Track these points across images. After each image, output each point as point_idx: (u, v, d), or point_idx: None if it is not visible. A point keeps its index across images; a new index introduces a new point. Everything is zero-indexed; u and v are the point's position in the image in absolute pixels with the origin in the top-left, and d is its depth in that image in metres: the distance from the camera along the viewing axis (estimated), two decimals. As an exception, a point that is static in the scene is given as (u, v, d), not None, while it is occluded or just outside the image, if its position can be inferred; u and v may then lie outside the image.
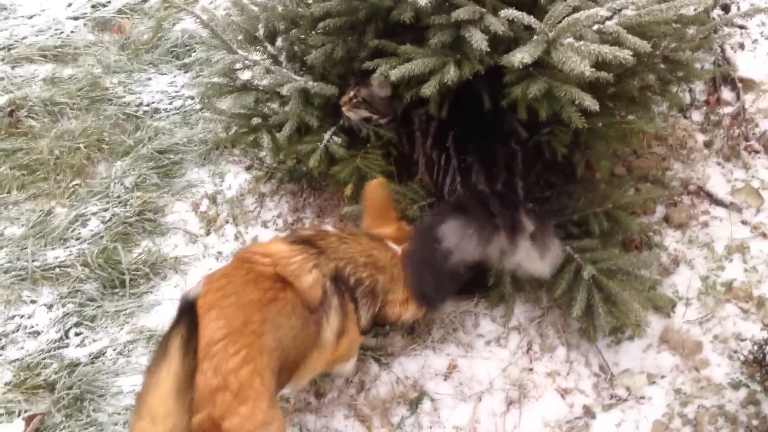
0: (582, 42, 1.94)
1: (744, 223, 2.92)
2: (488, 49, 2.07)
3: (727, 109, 3.44)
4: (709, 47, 2.82)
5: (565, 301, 2.46)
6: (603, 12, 1.78)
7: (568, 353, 2.53)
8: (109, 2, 4.58)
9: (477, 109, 2.46)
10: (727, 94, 3.53)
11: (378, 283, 2.19)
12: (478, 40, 2.06)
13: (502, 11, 2.10)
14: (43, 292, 2.83)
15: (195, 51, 4.04)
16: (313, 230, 2.26)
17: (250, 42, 2.77)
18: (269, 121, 2.63)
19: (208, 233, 3.01)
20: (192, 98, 3.69)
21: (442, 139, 2.54)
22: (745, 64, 3.57)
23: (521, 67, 1.92)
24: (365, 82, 2.60)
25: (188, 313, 1.50)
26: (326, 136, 2.66)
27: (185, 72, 3.93)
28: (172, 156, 3.33)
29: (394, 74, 2.13)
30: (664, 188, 3.03)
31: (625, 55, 1.87)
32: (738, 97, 3.51)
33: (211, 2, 4.46)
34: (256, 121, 2.59)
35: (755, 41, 3.71)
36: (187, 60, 4.00)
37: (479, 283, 2.61)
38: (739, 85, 3.47)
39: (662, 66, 2.47)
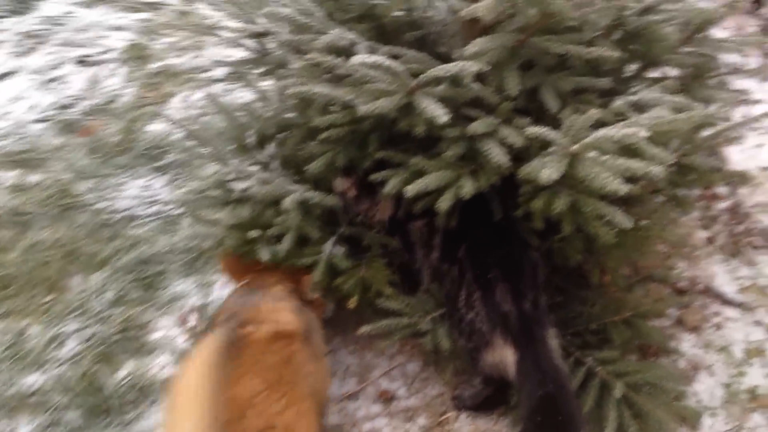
0: (608, 156, 1.91)
1: (757, 323, 2.90)
2: (509, 163, 2.04)
3: (723, 204, 3.48)
4: (717, 149, 2.84)
5: (592, 418, 2.37)
6: (643, 133, 1.76)
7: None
8: (75, 103, 4.50)
9: (487, 218, 2.42)
10: (721, 188, 3.57)
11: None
12: (498, 154, 2.03)
13: (523, 125, 2.12)
14: (21, 423, 2.64)
15: (170, 152, 3.96)
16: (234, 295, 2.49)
17: (240, 150, 2.71)
18: (267, 232, 2.54)
19: (197, 351, 2.87)
20: (170, 203, 3.59)
21: (451, 250, 2.49)
22: (734, 157, 3.63)
23: (549, 183, 1.88)
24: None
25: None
26: (327, 247, 2.57)
27: (161, 175, 3.84)
28: (154, 266, 3.20)
29: (411, 190, 2.08)
30: (674, 290, 3.01)
31: (656, 170, 1.85)
32: (733, 192, 3.56)
33: (184, 100, 4.43)
34: (254, 233, 2.49)
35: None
36: (162, 162, 3.92)
37: (500, 399, 2.53)
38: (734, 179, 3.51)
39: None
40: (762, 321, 2.91)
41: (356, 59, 1.95)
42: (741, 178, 3.43)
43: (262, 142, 2.77)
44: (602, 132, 1.88)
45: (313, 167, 2.43)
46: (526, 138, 2.08)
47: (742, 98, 2.57)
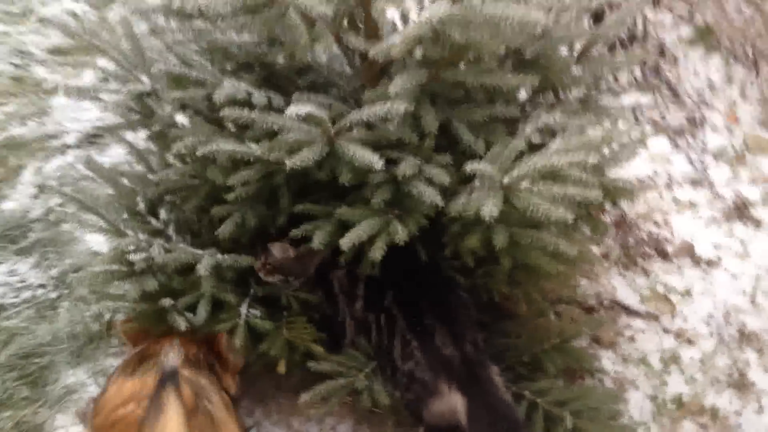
0: (541, 185, 1.90)
1: (666, 331, 3.01)
2: (442, 202, 1.98)
3: (609, 218, 3.60)
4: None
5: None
6: (582, 158, 1.76)
7: None
8: None
9: (410, 262, 2.35)
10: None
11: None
12: (431, 194, 1.97)
13: (444, 161, 2.08)
14: None
15: (32, 231, 3.61)
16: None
17: (133, 217, 2.50)
18: (179, 301, 2.34)
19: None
20: (43, 286, 3.25)
21: (376, 299, 2.39)
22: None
23: (491, 220, 1.83)
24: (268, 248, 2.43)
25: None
26: (243, 310, 2.41)
27: (25, 257, 3.47)
28: (37, 360, 2.87)
29: (346, 243, 1.97)
30: (582, 309, 3.06)
31: (594, 194, 1.86)
32: (614, 204, 3.70)
33: (38, 173, 4.07)
34: (166, 302, 2.29)
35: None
36: (24, 243, 3.55)
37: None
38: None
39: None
40: (669, 328, 3.02)
41: (290, 110, 1.84)
42: (624, 192, 3.61)
43: (153, 207, 2.57)
44: (532, 161, 1.87)
45: (223, 231, 2.27)
46: (454, 175, 2.05)
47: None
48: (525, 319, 2.77)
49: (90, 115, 4.39)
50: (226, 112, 1.96)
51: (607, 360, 2.87)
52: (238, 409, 2.37)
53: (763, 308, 3.12)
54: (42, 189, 3.86)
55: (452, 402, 2.18)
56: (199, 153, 2.04)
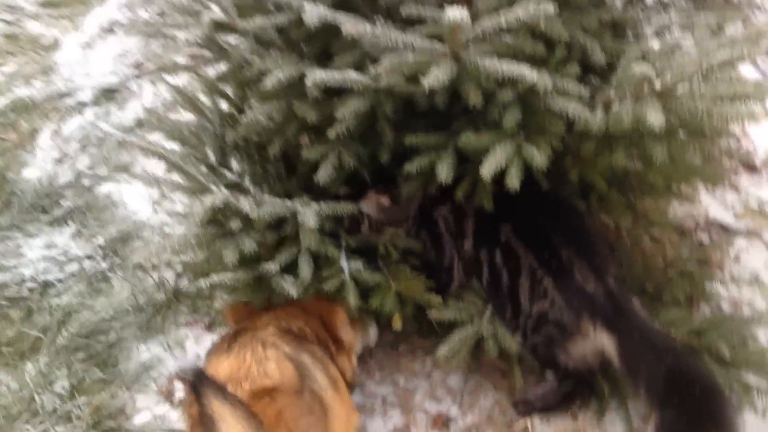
0: (701, 86, 1.67)
1: (769, 246, 2.83)
2: (587, 117, 1.75)
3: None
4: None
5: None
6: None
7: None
8: None
9: (530, 192, 2.11)
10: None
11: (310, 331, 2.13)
12: (575, 108, 1.75)
13: (574, 72, 1.85)
14: None
15: (64, 198, 3.34)
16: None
17: (211, 171, 2.25)
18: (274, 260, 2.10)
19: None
20: (91, 258, 3.00)
21: (489, 235, 2.18)
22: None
23: (661, 127, 1.61)
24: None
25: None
26: (344, 264, 2.18)
27: (62, 228, 3.21)
28: (102, 337, 2.63)
29: (486, 171, 1.74)
30: (678, 231, 2.87)
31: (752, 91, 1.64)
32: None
33: (56, 135, 3.77)
34: (270, 267, 2.05)
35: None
36: (58, 213, 3.28)
37: (580, 393, 2.27)
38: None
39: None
40: (772, 243, 2.84)
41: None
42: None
43: (225, 158, 2.32)
44: (681, 61, 1.65)
45: (322, 176, 2.03)
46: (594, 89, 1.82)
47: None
48: (625, 248, 2.57)
49: (101, 68, 4.08)
50: (347, 28, 1.68)
51: (718, 283, 2.68)
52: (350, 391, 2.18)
53: None
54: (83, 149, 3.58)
55: (598, 342, 1.99)
56: (310, 82, 1.77)
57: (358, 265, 2.19)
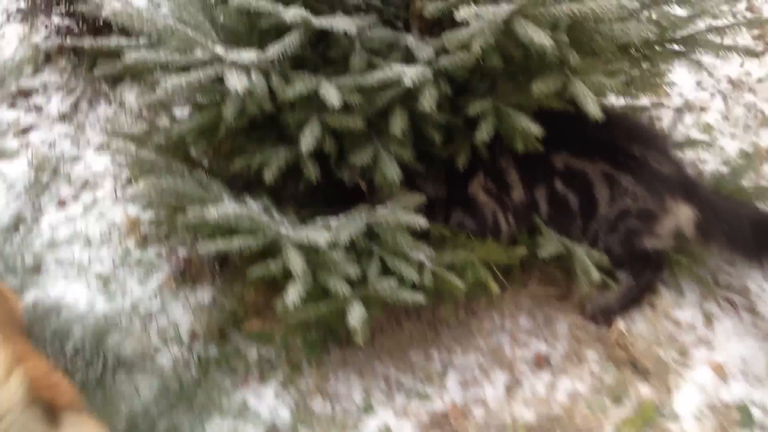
0: None
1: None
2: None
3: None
4: None
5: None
6: None
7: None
8: None
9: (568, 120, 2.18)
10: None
11: None
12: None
13: None
14: None
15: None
16: None
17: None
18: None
19: None
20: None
21: (539, 171, 2.37)
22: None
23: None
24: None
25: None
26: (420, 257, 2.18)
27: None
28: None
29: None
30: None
31: None
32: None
33: None
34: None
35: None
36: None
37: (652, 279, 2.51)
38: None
39: None
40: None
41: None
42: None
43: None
44: None
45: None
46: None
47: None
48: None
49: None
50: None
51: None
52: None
53: None
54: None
55: (681, 214, 2.27)
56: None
57: (431, 253, 2.19)
